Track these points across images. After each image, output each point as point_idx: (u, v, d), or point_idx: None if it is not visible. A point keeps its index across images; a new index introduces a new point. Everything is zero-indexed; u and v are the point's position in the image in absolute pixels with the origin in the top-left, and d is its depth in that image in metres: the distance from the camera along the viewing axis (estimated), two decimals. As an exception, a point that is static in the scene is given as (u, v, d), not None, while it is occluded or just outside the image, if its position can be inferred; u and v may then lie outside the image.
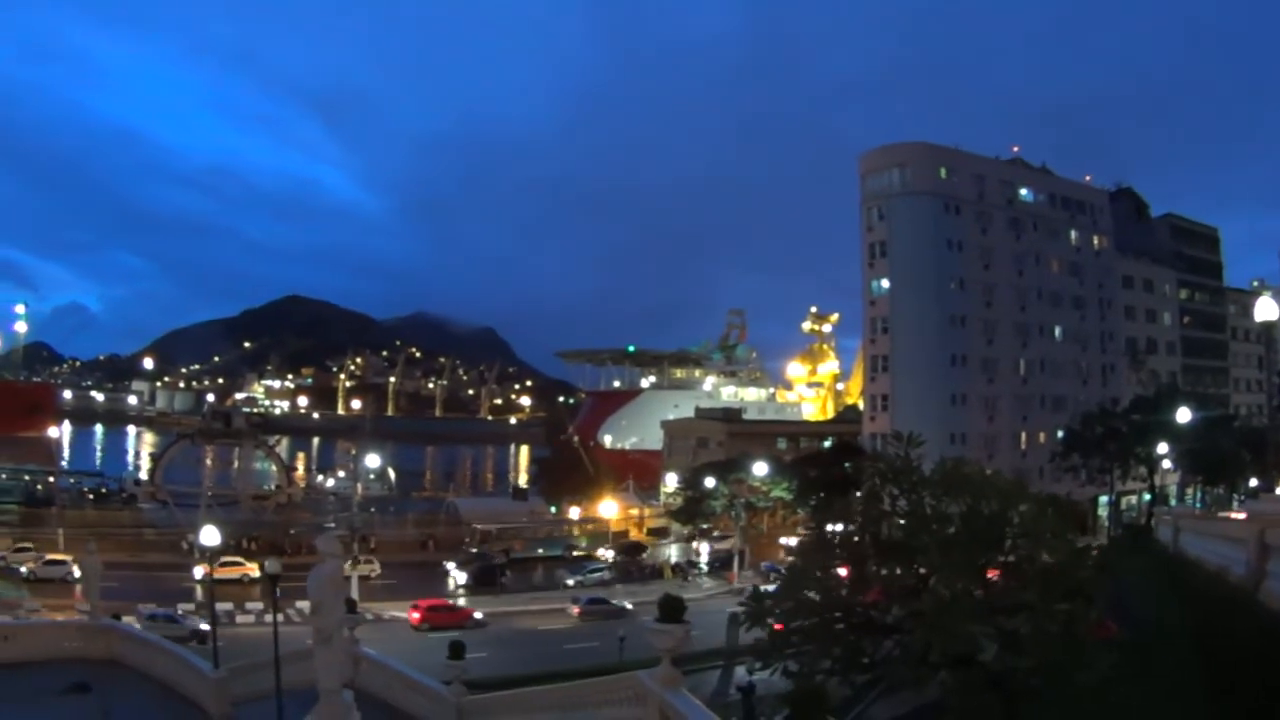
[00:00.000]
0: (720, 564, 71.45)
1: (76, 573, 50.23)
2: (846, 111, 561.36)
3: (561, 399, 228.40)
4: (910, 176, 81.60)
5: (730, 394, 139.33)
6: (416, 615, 51.41)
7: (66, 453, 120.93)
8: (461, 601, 58.06)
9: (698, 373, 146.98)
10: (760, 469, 74.47)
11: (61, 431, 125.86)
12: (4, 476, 79.69)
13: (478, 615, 53.46)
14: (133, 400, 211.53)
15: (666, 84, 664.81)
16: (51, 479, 78.42)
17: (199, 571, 51.64)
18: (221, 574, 53.83)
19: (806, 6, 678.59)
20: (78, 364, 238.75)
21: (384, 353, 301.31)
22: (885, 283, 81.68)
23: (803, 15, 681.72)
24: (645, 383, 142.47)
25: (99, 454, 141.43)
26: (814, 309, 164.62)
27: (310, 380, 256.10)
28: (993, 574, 17.60)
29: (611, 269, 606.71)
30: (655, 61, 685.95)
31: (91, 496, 78.92)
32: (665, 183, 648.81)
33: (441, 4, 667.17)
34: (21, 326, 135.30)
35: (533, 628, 53.66)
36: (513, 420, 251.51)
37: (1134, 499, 80.00)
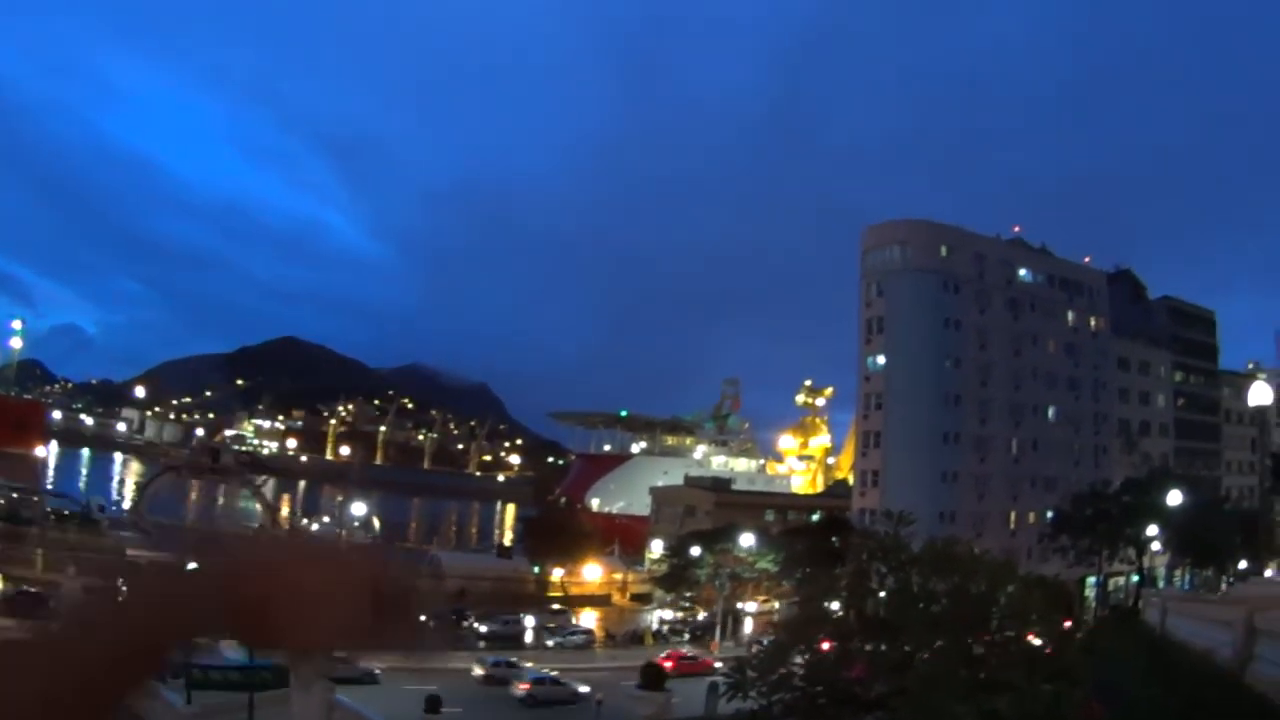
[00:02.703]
0: (701, 632, 70.70)
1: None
2: (854, 179, 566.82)
3: (550, 459, 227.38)
4: (911, 254, 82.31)
5: (720, 463, 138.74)
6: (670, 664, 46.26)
7: (51, 474, 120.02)
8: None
9: (689, 440, 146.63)
10: (747, 539, 74.02)
11: (47, 452, 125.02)
12: None
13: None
14: (122, 427, 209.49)
15: (679, 140, 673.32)
16: (35, 499, 77.14)
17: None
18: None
19: (825, 69, 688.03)
20: (70, 385, 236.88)
21: (376, 401, 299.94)
22: (881, 359, 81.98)
23: (821, 76, 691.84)
24: (636, 448, 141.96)
25: (83, 478, 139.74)
26: (808, 382, 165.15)
27: (300, 423, 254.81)
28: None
29: (608, 329, 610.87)
30: (669, 117, 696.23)
31: (53, 518, 77.12)
32: (669, 243, 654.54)
33: (460, 54, 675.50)
34: (17, 343, 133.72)
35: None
36: (500, 478, 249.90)
37: (1122, 580, 79.49)
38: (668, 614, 75.64)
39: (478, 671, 47.61)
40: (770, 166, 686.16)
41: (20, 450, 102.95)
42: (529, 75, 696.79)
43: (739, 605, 73.48)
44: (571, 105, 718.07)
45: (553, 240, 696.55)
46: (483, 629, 63.55)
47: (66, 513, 78.76)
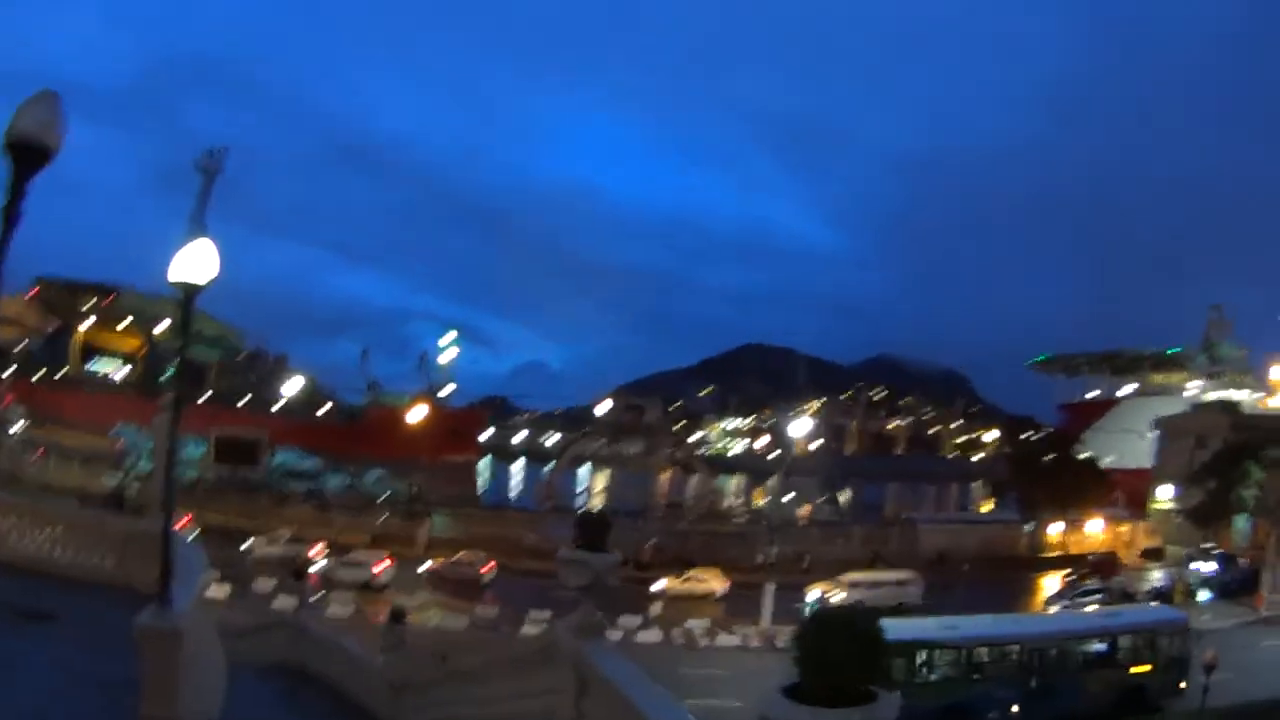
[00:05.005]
0: (1237, 585, 57.88)
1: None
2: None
3: (1026, 435, 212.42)
4: None
5: (1214, 400, 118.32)
6: None
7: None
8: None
9: (1177, 378, 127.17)
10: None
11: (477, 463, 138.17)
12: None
13: None
14: (587, 446, 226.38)
15: (1145, 78, 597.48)
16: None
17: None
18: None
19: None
20: (535, 415, 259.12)
21: (843, 395, 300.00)
22: None
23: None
24: (1123, 393, 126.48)
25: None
26: None
27: (770, 422, 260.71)
28: None
29: (1077, 294, 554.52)
30: (1133, 55, 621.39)
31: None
32: (1137, 188, 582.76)
33: (892, 17, 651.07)
34: (450, 354, 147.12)
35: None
36: (975, 459, 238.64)
37: None
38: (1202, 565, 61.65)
39: None
40: (1254, 87, 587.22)
41: (457, 458, 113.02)
42: (973, 27, 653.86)
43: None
44: (1023, 55, 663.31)
45: (1016, 202, 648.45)
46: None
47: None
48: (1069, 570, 66.25)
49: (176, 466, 11.64)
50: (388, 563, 54.52)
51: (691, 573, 57.84)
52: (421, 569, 57.07)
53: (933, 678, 30.71)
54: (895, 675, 30.07)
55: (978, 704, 30.09)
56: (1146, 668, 32.40)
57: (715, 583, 57.32)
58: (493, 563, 57.84)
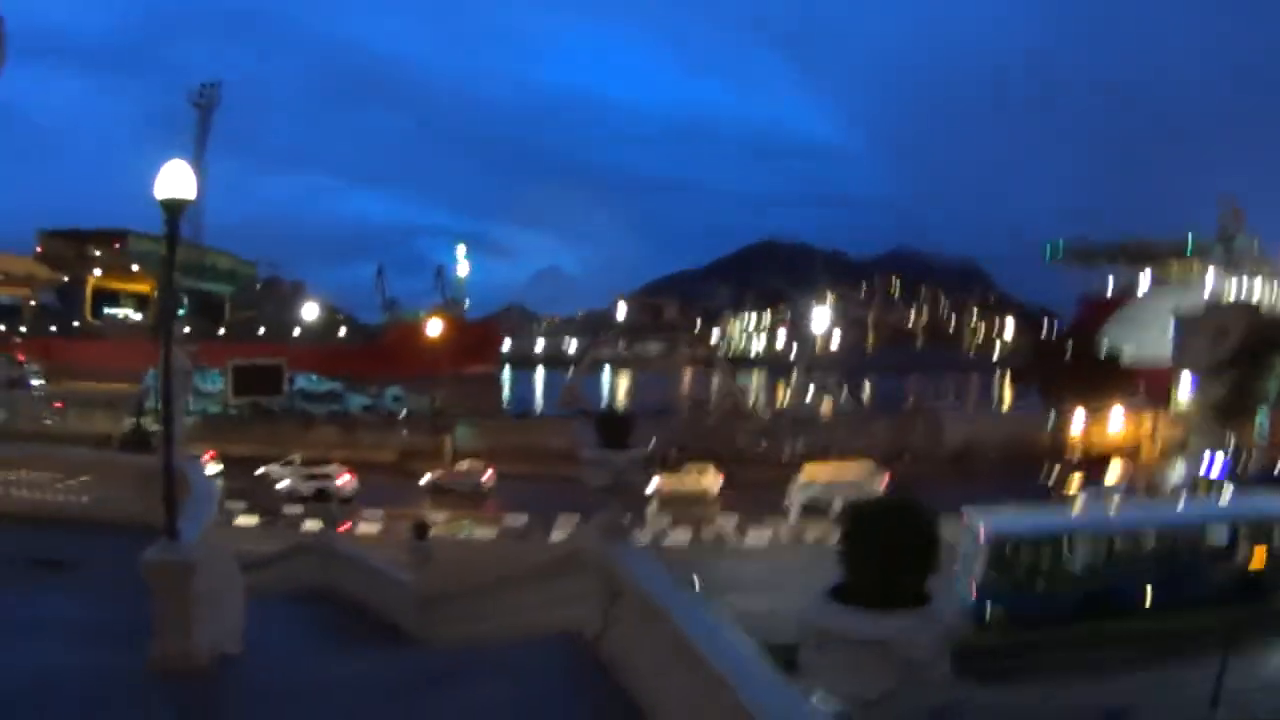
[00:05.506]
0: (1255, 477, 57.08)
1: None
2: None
3: (1045, 328, 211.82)
4: None
5: (1234, 293, 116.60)
6: None
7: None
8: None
9: (1195, 269, 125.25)
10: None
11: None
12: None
13: None
14: (606, 350, 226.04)
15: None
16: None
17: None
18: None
19: None
20: (555, 320, 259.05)
21: (862, 289, 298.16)
22: None
23: None
24: (1141, 288, 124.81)
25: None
26: None
27: (788, 315, 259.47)
28: None
29: (1092, 184, 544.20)
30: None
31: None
32: (1149, 78, 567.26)
33: None
34: (463, 268, 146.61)
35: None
36: (995, 351, 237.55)
37: None
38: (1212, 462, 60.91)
39: None
40: None
41: (480, 370, 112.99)
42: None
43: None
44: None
45: (1027, 96, 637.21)
46: None
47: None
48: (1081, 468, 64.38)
49: (177, 395, 11.15)
50: (348, 476, 55.54)
51: (687, 467, 57.05)
52: (423, 481, 57.37)
53: (1075, 567, 31.22)
54: (1041, 565, 31.07)
55: (1115, 592, 30.52)
56: (1262, 559, 32.44)
57: (709, 479, 56.65)
58: (491, 470, 58.35)
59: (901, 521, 5.52)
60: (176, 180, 8.72)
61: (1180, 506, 37.91)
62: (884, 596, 5.60)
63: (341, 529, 44.45)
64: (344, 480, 54.91)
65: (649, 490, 51.27)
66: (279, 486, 54.36)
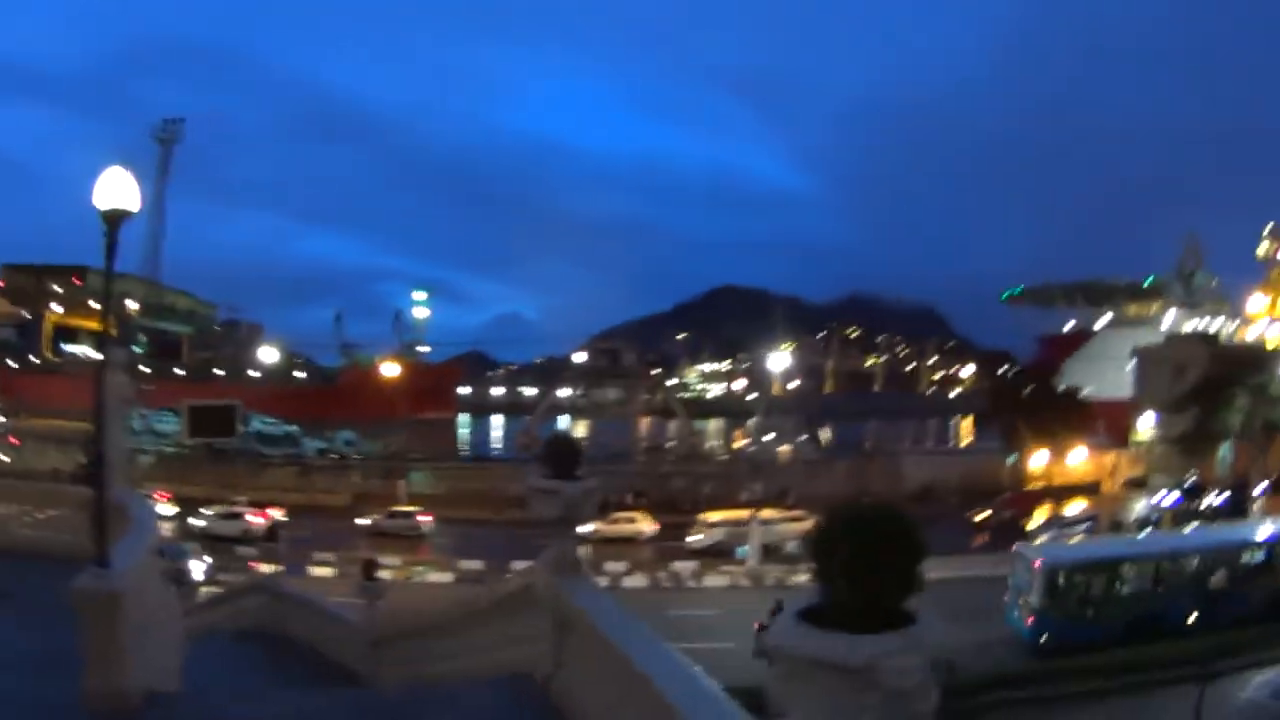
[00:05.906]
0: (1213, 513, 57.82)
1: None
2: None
3: (1003, 369, 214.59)
4: None
5: (1192, 330, 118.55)
6: None
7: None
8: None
9: (1154, 308, 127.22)
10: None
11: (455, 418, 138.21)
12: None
13: None
14: (562, 393, 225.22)
15: (1098, 25, 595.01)
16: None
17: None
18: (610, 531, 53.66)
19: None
20: (513, 368, 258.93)
21: (819, 334, 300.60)
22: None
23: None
24: (1099, 325, 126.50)
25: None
26: (1270, 226, 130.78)
27: (747, 364, 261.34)
28: None
29: (1046, 232, 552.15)
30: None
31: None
32: (1101, 132, 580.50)
33: None
34: (422, 312, 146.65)
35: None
36: (953, 394, 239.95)
37: None
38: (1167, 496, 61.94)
39: None
40: (1209, 38, 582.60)
41: (434, 416, 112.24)
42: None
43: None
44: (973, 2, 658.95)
45: (979, 144, 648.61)
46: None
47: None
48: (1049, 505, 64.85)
49: (116, 422, 10.76)
50: (262, 519, 54.37)
51: (619, 515, 57.20)
52: (362, 522, 56.40)
53: (1124, 592, 32.02)
54: (1092, 592, 31.67)
55: (1162, 615, 31.27)
56: None
57: (644, 524, 56.81)
58: (430, 515, 57.87)
59: (880, 531, 5.09)
60: (117, 189, 8.31)
61: (1220, 531, 39.32)
62: (862, 616, 5.14)
63: (252, 566, 43.69)
64: (257, 522, 53.86)
65: (587, 529, 50.98)
66: (198, 526, 53.02)
